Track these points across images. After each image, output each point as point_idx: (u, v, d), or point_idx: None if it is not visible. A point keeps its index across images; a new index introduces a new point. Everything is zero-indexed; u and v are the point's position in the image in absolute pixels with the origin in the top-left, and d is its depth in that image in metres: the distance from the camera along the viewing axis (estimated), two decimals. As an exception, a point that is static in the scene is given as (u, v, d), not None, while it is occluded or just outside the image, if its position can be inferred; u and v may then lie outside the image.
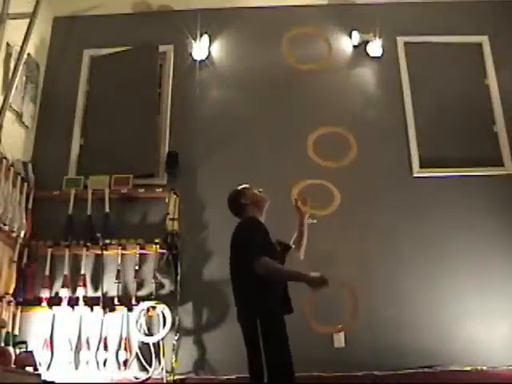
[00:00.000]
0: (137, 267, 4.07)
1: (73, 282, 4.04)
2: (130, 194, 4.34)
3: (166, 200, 4.24)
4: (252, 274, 2.57)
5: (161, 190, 4.35)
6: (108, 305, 3.98)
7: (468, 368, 3.76)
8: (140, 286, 4.07)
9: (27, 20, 4.12)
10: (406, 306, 4.02)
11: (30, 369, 3.48)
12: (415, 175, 4.46)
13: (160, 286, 4.07)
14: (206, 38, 4.84)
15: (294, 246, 3.00)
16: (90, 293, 4.07)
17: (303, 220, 3.03)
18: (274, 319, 2.59)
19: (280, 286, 2.72)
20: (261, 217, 2.89)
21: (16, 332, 3.88)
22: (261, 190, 2.98)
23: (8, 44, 4.19)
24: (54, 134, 4.70)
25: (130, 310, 3.96)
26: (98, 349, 3.89)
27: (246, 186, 2.99)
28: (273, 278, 2.62)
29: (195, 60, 4.86)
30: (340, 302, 4.00)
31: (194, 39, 4.84)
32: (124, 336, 3.91)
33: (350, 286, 4.00)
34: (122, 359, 3.85)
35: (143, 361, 3.87)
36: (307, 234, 3.04)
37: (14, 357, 3.47)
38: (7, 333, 3.73)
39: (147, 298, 4.01)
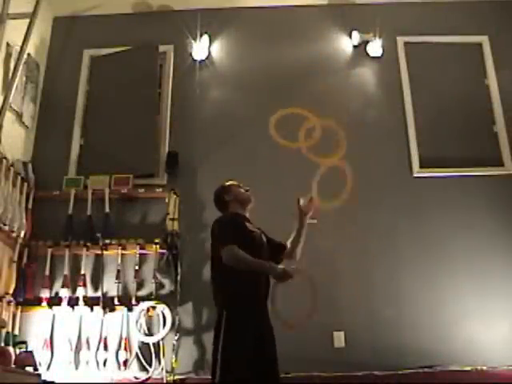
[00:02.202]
0: (137, 267, 4.07)
1: (73, 282, 4.04)
2: (130, 194, 4.34)
3: (166, 200, 4.24)
4: (223, 266, 2.59)
5: (161, 189, 4.35)
6: (108, 305, 3.98)
7: (468, 368, 3.76)
8: (140, 286, 4.07)
9: (27, 20, 4.12)
10: (405, 306, 4.02)
11: (30, 369, 3.49)
12: (415, 175, 4.46)
13: (160, 286, 4.08)
14: (205, 37, 4.84)
15: (289, 246, 2.95)
16: (90, 293, 4.07)
17: (304, 220, 2.95)
18: (242, 319, 2.55)
19: (255, 280, 2.68)
20: (244, 213, 2.89)
21: (16, 332, 3.88)
22: (248, 188, 2.98)
23: (8, 44, 4.19)
24: (53, 134, 4.70)
25: (129, 310, 3.96)
26: (98, 349, 3.89)
27: (233, 182, 3.00)
28: (239, 267, 2.57)
29: (195, 60, 4.86)
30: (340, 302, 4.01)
31: (194, 39, 4.84)
32: (124, 336, 3.91)
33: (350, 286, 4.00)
34: (122, 359, 3.85)
35: (143, 361, 3.87)
36: (305, 236, 2.97)
37: (14, 357, 3.48)
38: (7, 333, 3.73)
39: (147, 298, 4.01)
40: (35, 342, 3.85)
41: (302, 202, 2.96)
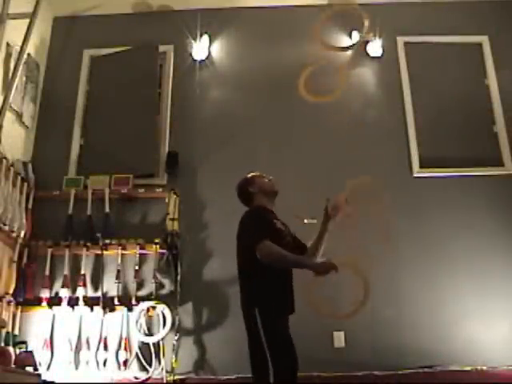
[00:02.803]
0: (137, 267, 4.07)
1: (73, 282, 4.05)
2: (130, 194, 4.34)
3: (166, 200, 4.24)
4: (255, 263, 2.45)
5: (161, 189, 4.35)
6: (108, 305, 3.99)
7: (468, 368, 3.76)
8: (140, 286, 4.08)
9: (27, 20, 4.13)
10: (405, 306, 4.02)
11: (30, 369, 3.49)
12: (415, 175, 4.46)
13: (160, 286, 4.08)
14: (205, 37, 4.84)
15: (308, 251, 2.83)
16: (90, 293, 4.07)
17: (328, 224, 2.85)
18: (274, 313, 2.49)
19: (284, 280, 2.60)
20: (271, 205, 2.78)
21: (16, 332, 3.88)
22: (271, 177, 2.88)
23: (8, 44, 4.19)
24: (53, 134, 4.71)
25: (129, 310, 3.97)
26: (98, 349, 3.89)
27: (256, 173, 2.87)
28: (276, 264, 2.46)
29: (195, 60, 4.87)
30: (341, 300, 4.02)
31: (194, 39, 4.84)
32: (124, 336, 3.92)
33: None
34: (122, 359, 3.85)
35: (143, 361, 3.87)
36: (327, 241, 2.86)
37: (14, 357, 3.48)
38: (7, 333, 3.74)
39: (147, 298, 4.01)
40: (35, 342, 3.85)
41: (330, 202, 2.82)
